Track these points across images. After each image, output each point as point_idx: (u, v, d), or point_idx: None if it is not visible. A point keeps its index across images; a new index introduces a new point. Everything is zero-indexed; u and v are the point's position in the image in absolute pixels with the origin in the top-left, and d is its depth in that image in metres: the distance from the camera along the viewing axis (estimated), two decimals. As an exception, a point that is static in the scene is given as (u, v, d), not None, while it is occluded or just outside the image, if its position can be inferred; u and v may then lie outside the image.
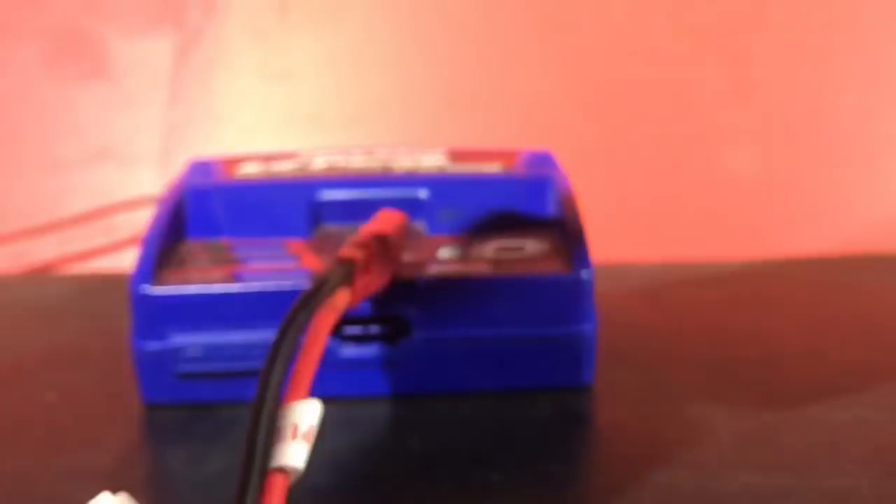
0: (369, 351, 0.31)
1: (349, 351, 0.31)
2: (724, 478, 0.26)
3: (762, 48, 0.56)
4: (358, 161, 0.40)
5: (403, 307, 0.30)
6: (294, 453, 0.17)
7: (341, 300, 0.22)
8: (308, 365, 0.20)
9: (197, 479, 0.26)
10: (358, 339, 0.31)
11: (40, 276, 0.50)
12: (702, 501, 0.25)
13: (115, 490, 0.21)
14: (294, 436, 0.18)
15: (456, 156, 0.41)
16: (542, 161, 0.40)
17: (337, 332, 0.31)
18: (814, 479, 0.26)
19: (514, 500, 0.25)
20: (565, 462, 0.27)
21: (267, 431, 0.18)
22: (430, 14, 0.56)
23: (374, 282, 0.26)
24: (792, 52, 0.56)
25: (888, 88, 0.56)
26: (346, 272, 0.23)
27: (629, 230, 0.52)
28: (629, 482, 0.26)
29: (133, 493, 0.21)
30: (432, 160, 0.40)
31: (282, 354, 0.19)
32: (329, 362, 0.31)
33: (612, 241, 0.49)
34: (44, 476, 0.26)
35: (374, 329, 0.31)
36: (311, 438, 0.18)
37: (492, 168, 0.38)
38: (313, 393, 0.33)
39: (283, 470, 0.17)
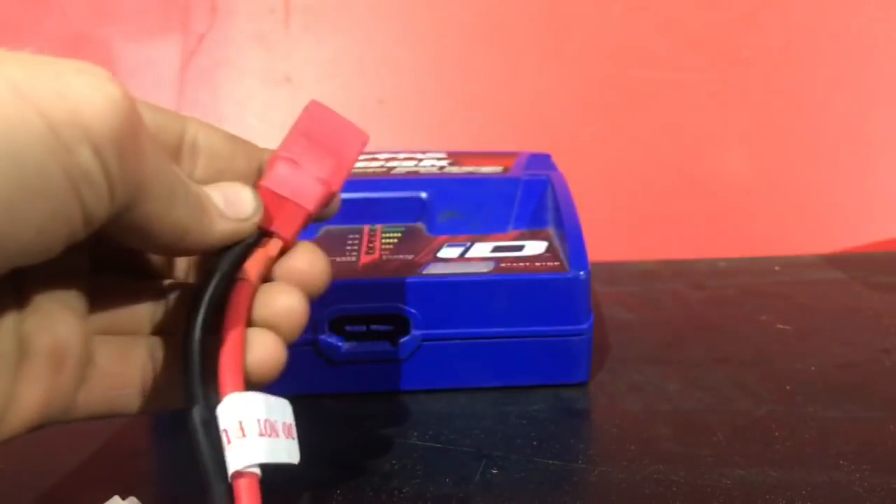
0: (370, 348, 0.32)
1: (351, 348, 0.32)
2: (718, 473, 0.26)
3: (754, 52, 0.56)
4: (360, 163, 0.40)
5: (404, 305, 0.31)
6: (247, 453, 0.16)
7: (273, 248, 0.20)
8: (233, 352, 0.18)
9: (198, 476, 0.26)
10: (359, 337, 0.32)
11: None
12: (696, 496, 0.25)
13: (123, 494, 0.22)
14: (242, 434, 0.16)
15: (456, 158, 0.41)
16: (541, 163, 0.40)
17: (339, 330, 0.32)
18: (806, 473, 0.26)
19: (513, 495, 0.25)
20: (562, 457, 0.27)
21: (209, 437, 0.16)
22: (431, 20, 0.56)
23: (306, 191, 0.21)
24: (783, 56, 0.56)
25: (876, 91, 0.56)
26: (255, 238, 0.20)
27: (624, 230, 0.53)
28: (625, 477, 0.26)
29: (137, 490, 0.22)
30: (433, 162, 0.40)
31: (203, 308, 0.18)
32: (331, 359, 0.32)
33: (607, 241, 0.50)
34: (50, 476, 0.26)
35: (375, 327, 0.31)
36: (271, 431, 0.17)
37: (491, 170, 0.39)
38: (321, 390, 0.33)
39: (241, 474, 0.16)
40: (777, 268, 0.46)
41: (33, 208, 0.14)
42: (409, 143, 0.54)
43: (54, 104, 0.14)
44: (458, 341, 0.31)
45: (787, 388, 0.32)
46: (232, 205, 0.20)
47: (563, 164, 0.39)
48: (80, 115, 0.14)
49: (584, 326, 0.31)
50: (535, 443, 0.28)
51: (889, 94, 0.56)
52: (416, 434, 0.29)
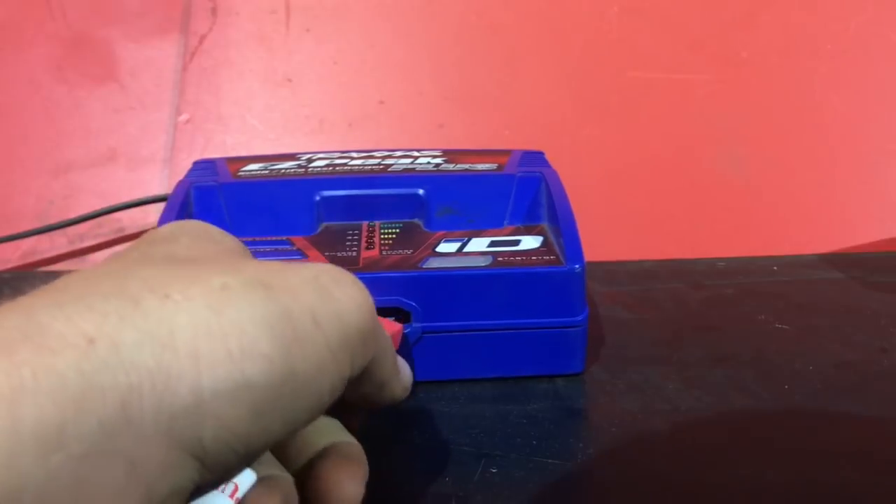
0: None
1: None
2: (717, 472, 0.26)
3: (752, 53, 0.56)
4: (357, 161, 0.41)
5: (405, 299, 0.31)
6: None
7: None
8: None
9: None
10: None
11: (50, 274, 0.51)
12: (695, 495, 0.25)
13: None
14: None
15: (451, 156, 0.41)
16: (534, 160, 0.40)
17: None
18: (805, 473, 0.26)
19: (512, 494, 0.25)
20: (562, 456, 0.27)
21: None
22: (430, 21, 0.57)
23: None
24: (781, 56, 0.56)
25: (875, 91, 0.56)
26: None
27: (623, 230, 0.53)
28: (623, 476, 0.26)
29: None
30: (428, 160, 0.41)
31: None
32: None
33: (606, 241, 0.50)
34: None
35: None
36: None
37: (486, 167, 0.39)
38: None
39: None
40: (775, 267, 0.46)
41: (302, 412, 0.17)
42: (409, 142, 0.54)
43: (335, 328, 0.17)
44: (457, 333, 0.32)
45: (786, 387, 0.32)
46: (406, 375, 0.24)
47: (561, 164, 0.39)
48: (349, 337, 0.17)
49: (580, 318, 0.32)
50: (534, 442, 0.28)
51: (888, 94, 0.56)
52: (415, 433, 0.29)
